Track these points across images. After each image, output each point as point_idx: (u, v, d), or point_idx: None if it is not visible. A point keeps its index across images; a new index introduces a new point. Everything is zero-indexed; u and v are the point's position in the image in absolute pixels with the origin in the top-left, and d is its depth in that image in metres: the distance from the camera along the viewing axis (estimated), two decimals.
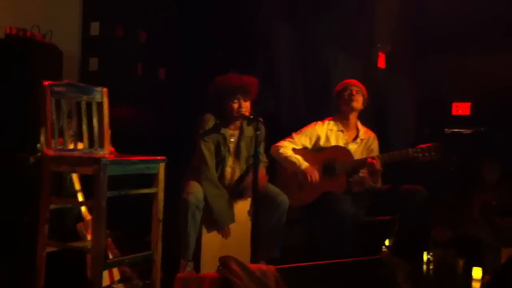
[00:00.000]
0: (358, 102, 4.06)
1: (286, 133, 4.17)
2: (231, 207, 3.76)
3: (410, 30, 5.10)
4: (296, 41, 5.16)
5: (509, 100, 4.69)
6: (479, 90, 4.90)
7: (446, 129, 4.96)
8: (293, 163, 3.99)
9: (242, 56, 5.06)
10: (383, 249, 4.04)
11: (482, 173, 4.59)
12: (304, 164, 3.97)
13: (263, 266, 2.89)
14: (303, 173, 3.95)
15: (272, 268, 2.86)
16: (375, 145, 4.12)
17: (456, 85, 5.04)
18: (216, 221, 3.68)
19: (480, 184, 4.58)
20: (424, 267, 3.97)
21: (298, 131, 4.13)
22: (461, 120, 5.06)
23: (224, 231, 3.73)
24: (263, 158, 3.87)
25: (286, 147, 4.05)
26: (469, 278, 3.74)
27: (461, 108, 5.17)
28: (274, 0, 5.14)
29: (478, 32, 4.83)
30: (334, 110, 4.23)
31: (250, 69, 3.95)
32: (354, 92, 4.04)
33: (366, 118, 4.26)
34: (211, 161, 3.75)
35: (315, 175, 3.92)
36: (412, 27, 5.09)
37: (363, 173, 3.95)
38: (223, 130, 3.79)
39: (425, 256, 4.01)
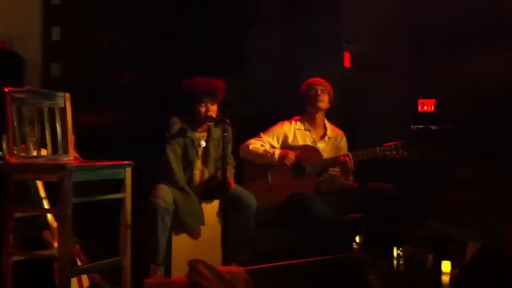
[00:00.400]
0: (324, 102, 4.07)
1: (257, 135, 4.16)
2: (200, 209, 3.73)
3: (377, 28, 5.14)
4: (265, 42, 5.16)
5: (476, 96, 4.76)
6: (443, 86, 4.96)
7: (412, 126, 5.01)
8: (265, 155, 3.97)
9: (209, 58, 5.03)
10: (354, 246, 4.06)
11: (453, 170, 4.64)
12: (277, 152, 3.96)
13: (233, 268, 2.89)
14: (278, 159, 3.93)
15: (242, 269, 2.85)
16: (343, 143, 4.14)
17: (421, 81, 5.10)
18: (185, 223, 3.65)
19: (450, 181, 4.63)
20: (395, 262, 4.00)
21: (266, 131, 4.12)
22: (427, 117, 5.11)
23: (194, 233, 3.70)
24: (230, 159, 3.85)
25: (255, 143, 4.04)
26: (439, 272, 3.78)
27: (426, 105, 5.22)
28: (241, 2, 5.13)
29: (444, 30, 4.89)
30: (302, 109, 4.23)
31: (218, 72, 3.92)
32: (319, 92, 4.05)
33: (333, 116, 4.27)
34: (177, 164, 3.73)
35: (291, 157, 3.91)
36: (379, 25, 5.13)
37: (332, 171, 3.96)
38: (190, 133, 3.79)
39: (395, 252, 4.04)
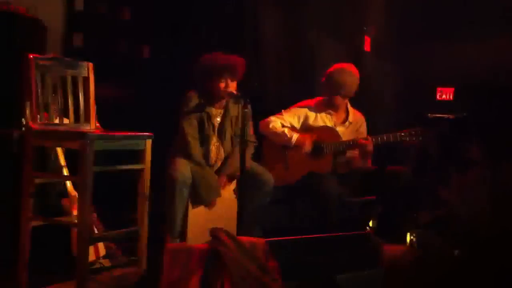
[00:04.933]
0: (351, 93, 4.05)
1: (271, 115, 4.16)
2: (216, 182, 3.74)
3: (395, 14, 5.10)
4: (282, 23, 5.14)
5: (491, 86, 4.73)
6: (462, 76, 4.93)
7: (429, 114, 4.99)
8: (283, 136, 3.98)
9: (227, 36, 5.03)
10: (367, 230, 4.07)
11: (463, 157, 4.63)
12: (294, 136, 3.96)
13: (253, 239, 2.90)
14: (295, 144, 3.94)
15: (261, 241, 2.87)
16: (363, 128, 4.13)
17: (440, 70, 5.07)
18: (201, 196, 3.66)
19: (460, 167, 4.62)
20: None
21: (288, 109, 4.12)
22: (444, 105, 5.09)
23: (210, 205, 3.72)
24: (251, 138, 3.85)
25: (275, 122, 4.04)
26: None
27: (445, 93, 5.20)
28: None
29: (464, 19, 4.85)
30: (319, 93, 4.21)
31: (236, 49, 3.92)
32: (348, 86, 4.01)
33: (351, 100, 4.26)
34: (193, 137, 3.73)
35: (307, 146, 3.92)
36: (398, 12, 5.09)
37: (350, 153, 3.97)
38: (207, 109, 3.78)
39: (408, 237, 4.05)
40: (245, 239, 2.87)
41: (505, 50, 4.65)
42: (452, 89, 5.14)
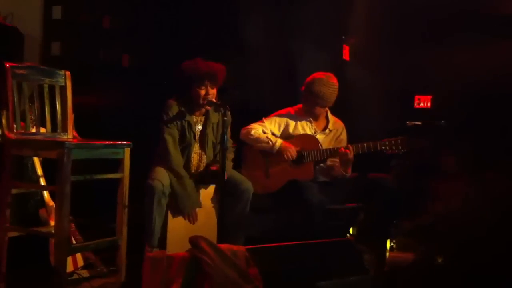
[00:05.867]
0: (331, 103, 4.05)
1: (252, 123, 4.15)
2: (195, 193, 3.72)
3: (374, 22, 5.14)
4: (264, 30, 5.15)
5: (468, 93, 4.78)
6: (440, 83, 4.98)
7: (407, 122, 5.02)
8: (266, 142, 3.97)
9: (208, 44, 5.02)
10: (348, 237, 4.08)
11: (441, 165, 4.67)
12: (278, 141, 3.96)
13: (233, 247, 2.88)
14: (278, 151, 3.94)
15: (242, 248, 2.86)
16: (343, 135, 4.13)
17: (418, 78, 5.11)
18: (181, 206, 3.64)
19: (440, 176, 4.66)
20: (388, 254, 4.02)
21: (268, 116, 4.11)
22: (422, 113, 5.13)
23: (190, 216, 3.70)
24: (229, 143, 3.84)
25: (257, 129, 4.03)
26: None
27: (423, 101, 5.24)
28: None
29: (442, 26, 4.90)
30: (300, 100, 4.21)
31: (217, 57, 3.91)
32: (326, 97, 4.01)
33: (331, 108, 4.27)
34: (174, 147, 3.70)
35: (292, 152, 3.92)
36: (376, 20, 5.13)
37: (330, 161, 3.97)
38: (188, 117, 3.76)
39: (389, 244, 4.06)
40: (225, 246, 2.86)
41: (484, 58, 4.71)
42: (430, 97, 5.19)
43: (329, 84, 3.98)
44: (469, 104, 4.75)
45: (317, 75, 4.03)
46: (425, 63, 4.95)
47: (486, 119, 4.66)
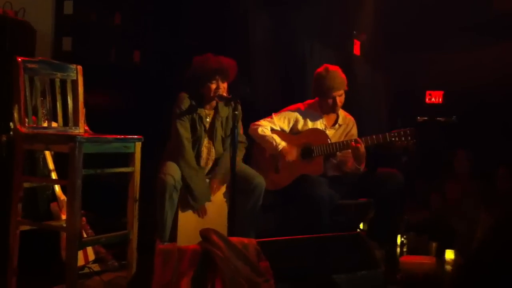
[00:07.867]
0: (341, 103, 4.03)
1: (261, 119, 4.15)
2: (206, 186, 3.73)
3: (385, 18, 5.13)
4: (273, 27, 5.15)
5: (478, 92, 4.77)
6: (451, 80, 4.96)
7: (418, 117, 5.00)
8: (270, 143, 3.97)
9: (218, 41, 5.02)
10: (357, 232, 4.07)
11: (453, 162, 4.65)
12: (281, 144, 3.95)
13: (244, 240, 2.88)
14: (280, 153, 3.94)
15: (253, 241, 2.86)
16: (354, 130, 4.09)
17: (429, 74, 5.10)
18: (192, 199, 3.64)
19: (452, 172, 4.64)
20: (398, 250, 4.01)
21: (278, 112, 4.10)
22: (434, 109, 5.11)
23: (200, 210, 3.71)
24: (241, 138, 3.86)
25: (265, 127, 4.02)
26: (442, 261, 3.81)
27: (434, 97, 5.21)
28: None
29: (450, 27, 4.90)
30: (310, 96, 4.20)
31: (227, 54, 3.91)
32: (337, 99, 3.98)
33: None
34: (188, 140, 3.71)
35: (291, 156, 3.92)
36: (387, 16, 5.12)
37: (342, 156, 3.96)
38: (199, 110, 3.76)
39: (399, 239, 4.05)
40: (236, 239, 2.86)
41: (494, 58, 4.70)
42: (441, 93, 5.17)
43: (336, 74, 3.96)
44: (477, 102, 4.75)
45: (322, 68, 4.02)
46: (437, 59, 4.95)
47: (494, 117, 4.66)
